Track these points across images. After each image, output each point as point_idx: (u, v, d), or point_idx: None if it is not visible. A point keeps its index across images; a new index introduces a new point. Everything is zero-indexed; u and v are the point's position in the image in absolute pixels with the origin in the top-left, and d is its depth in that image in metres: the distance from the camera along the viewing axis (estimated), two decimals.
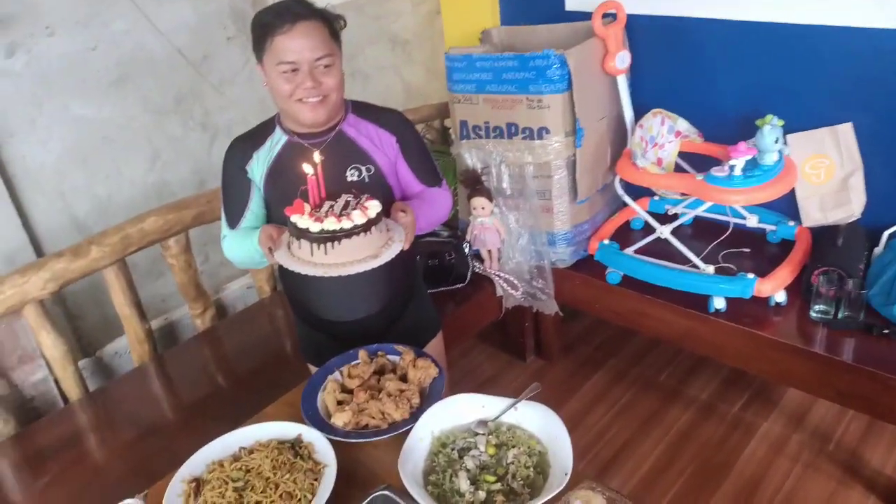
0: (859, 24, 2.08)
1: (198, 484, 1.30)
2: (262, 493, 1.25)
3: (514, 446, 1.31)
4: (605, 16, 2.39)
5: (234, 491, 1.26)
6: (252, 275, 2.63)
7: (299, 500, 1.25)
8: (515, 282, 2.47)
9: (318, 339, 1.73)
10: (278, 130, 1.57)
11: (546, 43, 2.54)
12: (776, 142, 2.04)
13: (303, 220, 1.38)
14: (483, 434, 1.34)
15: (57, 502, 1.75)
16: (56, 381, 2.19)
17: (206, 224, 2.42)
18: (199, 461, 1.35)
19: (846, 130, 2.21)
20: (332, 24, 1.49)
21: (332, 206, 1.41)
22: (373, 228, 1.39)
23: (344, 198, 1.44)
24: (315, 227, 1.36)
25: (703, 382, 2.62)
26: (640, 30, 2.50)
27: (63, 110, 2.55)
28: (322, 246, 1.35)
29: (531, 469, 1.26)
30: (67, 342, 2.15)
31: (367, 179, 1.56)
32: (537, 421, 1.35)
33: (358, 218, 1.37)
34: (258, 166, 1.57)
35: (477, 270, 2.49)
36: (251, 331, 2.49)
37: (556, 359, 2.82)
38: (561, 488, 1.16)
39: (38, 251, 2.52)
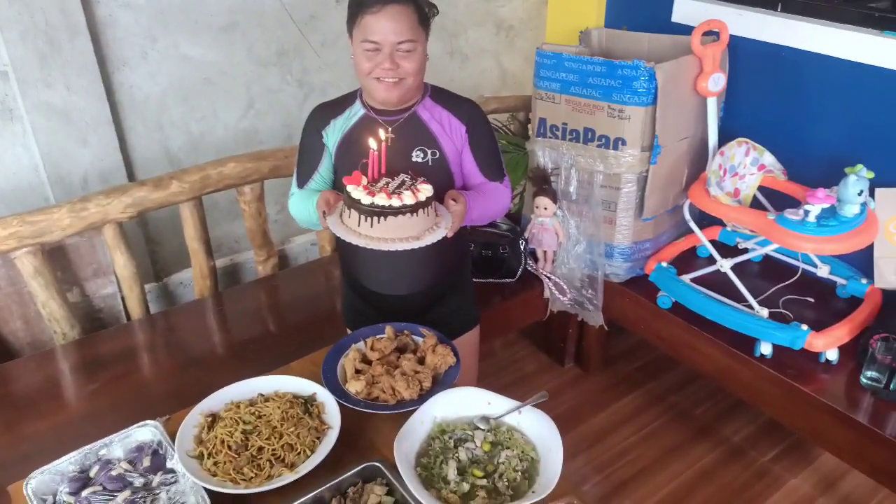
0: None
1: (214, 419, 1.40)
2: (266, 439, 1.34)
3: (508, 448, 1.34)
4: (707, 34, 2.32)
5: (243, 433, 1.35)
6: (317, 233, 2.74)
7: (299, 452, 1.32)
8: (565, 287, 2.47)
9: (359, 307, 1.80)
10: (357, 103, 1.63)
11: (645, 52, 2.50)
12: (860, 194, 1.94)
13: (356, 191, 1.44)
14: (482, 430, 1.37)
15: (99, 408, 1.91)
16: (122, 299, 2.37)
17: (281, 178, 2.53)
18: (219, 399, 1.46)
19: None
20: (422, 11, 1.52)
21: (387, 183, 1.47)
22: (420, 211, 1.43)
23: (402, 177, 1.50)
24: (366, 200, 1.42)
25: (739, 425, 2.54)
26: (742, 53, 2.41)
27: (173, 47, 2.70)
28: (369, 219, 1.42)
29: (519, 473, 1.28)
30: (138, 264, 2.32)
31: (430, 163, 1.60)
32: (537, 429, 1.37)
33: (407, 199, 1.42)
34: (333, 133, 1.64)
35: (529, 269, 2.50)
36: (307, 285, 2.60)
37: (594, 371, 2.80)
38: (542, 497, 1.19)
39: (131, 175, 2.71)
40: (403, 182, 1.48)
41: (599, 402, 2.66)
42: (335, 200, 1.52)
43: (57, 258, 2.21)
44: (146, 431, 1.39)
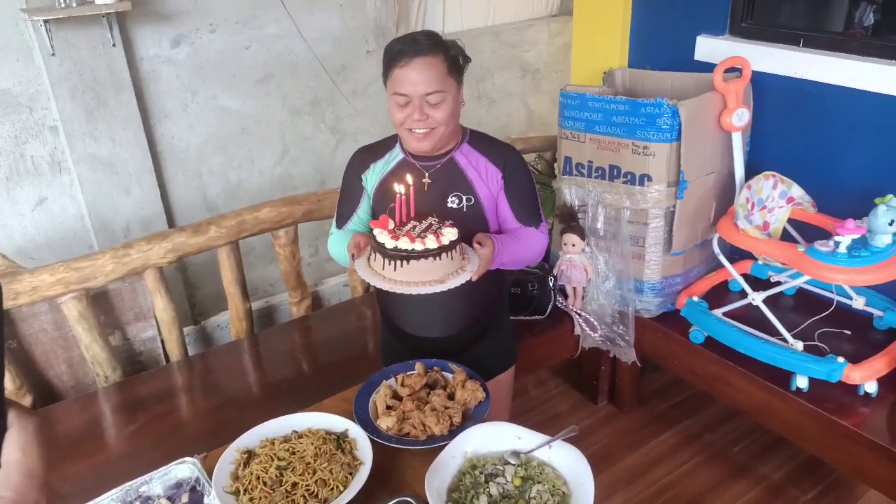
0: None
1: (249, 455, 1.43)
2: (300, 475, 1.36)
3: (539, 482, 1.34)
4: (729, 70, 2.35)
5: (277, 469, 1.37)
6: (349, 274, 2.80)
7: (332, 488, 1.34)
8: (596, 323, 2.47)
9: (395, 347, 1.83)
10: (397, 148, 1.67)
11: (669, 91, 2.54)
12: (891, 224, 1.93)
13: (381, 235, 1.48)
14: (513, 464, 1.38)
15: (139, 447, 1.96)
16: (162, 342, 2.43)
17: (314, 221, 2.60)
18: (254, 436, 1.49)
19: None
20: (452, 60, 1.55)
21: (414, 227, 1.49)
22: (443, 255, 1.45)
23: (429, 221, 1.52)
24: (390, 244, 1.45)
25: (779, 463, 2.48)
26: (766, 89, 2.43)
27: (212, 100, 2.84)
28: (392, 262, 1.45)
29: None
30: (177, 308, 2.39)
31: (465, 209, 1.62)
32: (568, 463, 1.37)
33: (430, 243, 1.44)
34: (373, 177, 1.68)
35: (559, 305, 2.51)
36: (339, 325, 2.64)
37: (629, 408, 2.77)
38: None
39: (171, 222, 2.82)
40: (430, 225, 1.50)
41: (634, 441, 2.62)
42: (365, 244, 1.55)
43: (100, 303, 2.29)
44: (184, 468, 1.42)
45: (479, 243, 1.53)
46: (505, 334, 1.87)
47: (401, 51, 1.51)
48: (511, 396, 1.97)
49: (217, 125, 2.85)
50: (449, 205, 1.62)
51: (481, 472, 1.37)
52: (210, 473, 1.38)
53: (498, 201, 1.66)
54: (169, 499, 1.37)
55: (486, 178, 1.63)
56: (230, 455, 1.43)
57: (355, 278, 2.79)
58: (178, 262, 2.37)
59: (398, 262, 1.44)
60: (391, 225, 1.51)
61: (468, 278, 1.48)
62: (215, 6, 2.69)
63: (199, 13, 2.68)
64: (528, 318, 2.47)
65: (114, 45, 2.41)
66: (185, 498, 1.37)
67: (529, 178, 1.70)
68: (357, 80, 3.16)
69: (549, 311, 2.48)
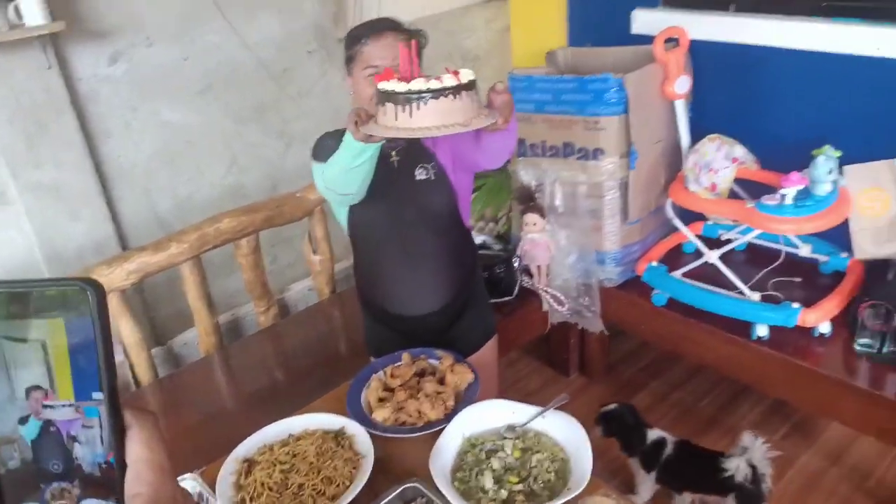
0: None
1: (249, 464, 1.44)
2: (305, 475, 1.37)
3: (538, 451, 1.39)
4: (667, 41, 2.44)
5: (281, 472, 1.39)
6: (313, 277, 2.79)
7: (338, 485, 1.36)
8: (562, 298, 2.54)
9: (382, 334, 1.85)
10: None
11: (611, 65, 2.61)
12: (829, 173, 2.05)
13: (389, 84, 1.31)
14: (511, 438, 1.43)
15: None
16: (131, 366, 2.38)
17: (275, 227, 2.58)
18: (252, 444, 1.49)
19: None
20: (416, 41, 1.61)
21: (424, 78, 1.32)
22: (464, 93, 1.29)
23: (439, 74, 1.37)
24: (401, 88, 1.28)
25: (745, 411, 2.61)
26: (704, 56, 2.53)
27: (154, 115, 2.77)
28: (407, 108, 1.28)
29: (552, 474, 1.34)
30: (143, 330, 2.35)
31: (433, 177, 1.68)
32: (563, 430, 1.43)
33: (448, 80, 1.28)
34: None
35: (525, 285, 2.57)
36: (309, 330, 2.64)
37: (599, 377, 2.86)
38: (578, 492, 1.24)
39: (123, 243, 2.75)
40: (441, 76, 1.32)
41: None
42: (366, 114, 1.40)
43: None
44: (186, 484, 1.42)
45: (496, 91, 1.41)
46: (485, 306, 1.93)
47: (371, 27, 1.59)
48: (497, 369, 2.00)
49: (162, 140, 2.79)
50: (417, 178, 1.67)
51: (481, 450, 1.41)
52: (212, 486, 1.38)
53: (453, 146, 1.65)
54: None
55: (440, 139, 1.65)
56: (230, 465, 1.43)
57: (321, 282, 2.78)
58: (138, 284, 2.33)
59: (413, 106, 1.27)
60: (397, 76, 1.34)
61: (494, 120, 1.33)
62: (150, 19, 2.63)
63: (133, 27, 2.61)
64: (497, 300, 2.52)
65: (49, 67, 2.33)
66: None
67: None
68: (301, 81, 3.13)
69: (516, 291, 2.54)
